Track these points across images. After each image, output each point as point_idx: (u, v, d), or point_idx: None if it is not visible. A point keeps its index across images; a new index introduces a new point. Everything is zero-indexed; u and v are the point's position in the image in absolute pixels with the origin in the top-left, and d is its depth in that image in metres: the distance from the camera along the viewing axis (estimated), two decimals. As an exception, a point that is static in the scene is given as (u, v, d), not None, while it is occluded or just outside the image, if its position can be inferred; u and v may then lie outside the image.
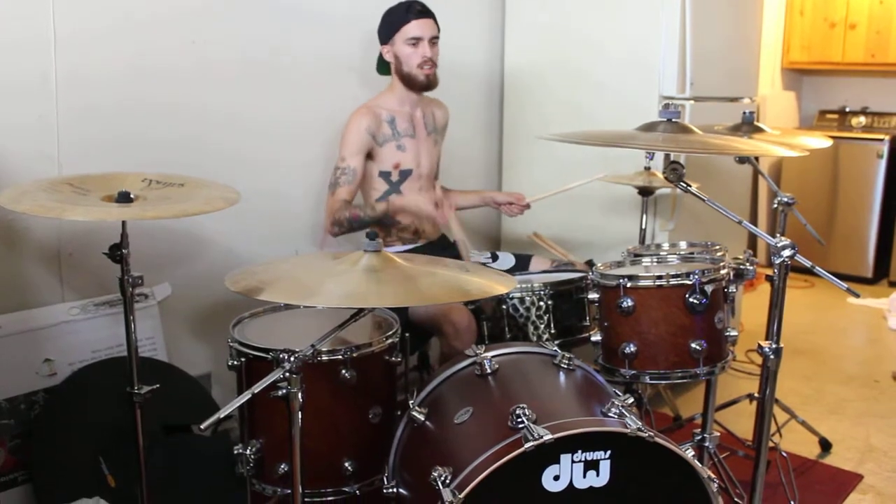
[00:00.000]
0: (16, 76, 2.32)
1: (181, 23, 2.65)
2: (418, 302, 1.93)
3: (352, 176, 2.75)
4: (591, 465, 1.63)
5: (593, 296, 2.23)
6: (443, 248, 2.98)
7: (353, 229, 2.72)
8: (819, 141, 2.97)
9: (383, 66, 2.89)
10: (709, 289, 2.10)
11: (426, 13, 2.78)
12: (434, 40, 2.80)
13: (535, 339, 2.48)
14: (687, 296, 2.09)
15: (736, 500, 2.51)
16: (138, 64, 2.56)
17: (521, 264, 2.94)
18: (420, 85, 2.82)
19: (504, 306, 2.48)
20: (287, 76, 2.98)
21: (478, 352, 2.03)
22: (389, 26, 2.80)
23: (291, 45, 2.98)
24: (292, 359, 1.61)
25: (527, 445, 1.57)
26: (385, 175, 2.85)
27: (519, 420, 1.64)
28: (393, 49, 2.80)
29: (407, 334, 2.20)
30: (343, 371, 2.00)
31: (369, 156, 2.81)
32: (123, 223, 1.94)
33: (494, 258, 3.00)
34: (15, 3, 2.29)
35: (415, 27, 2.75)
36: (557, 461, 1.61)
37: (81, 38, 2.43)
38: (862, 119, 5.94)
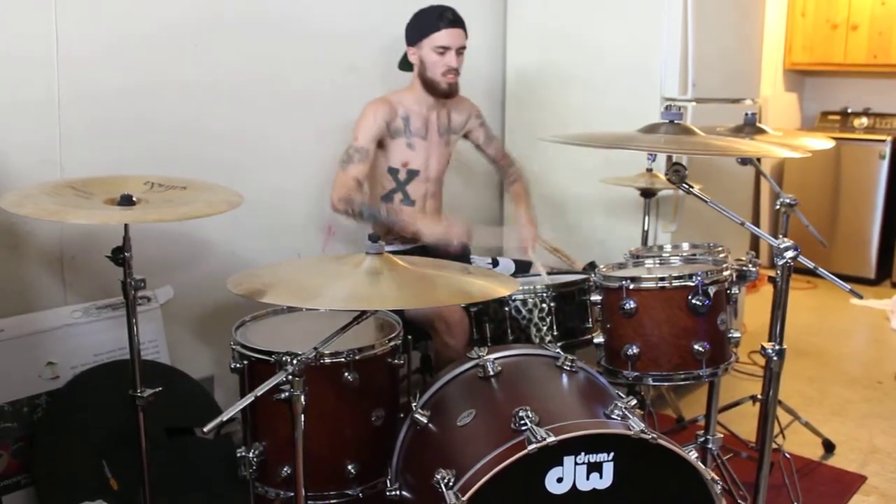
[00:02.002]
0: (20, 82, 2.32)
1: (183, 32, 2.65)
2: (422, 304, 1.92)
3: (364, 155, 2.73)
4: (595, 468, 1.63)
5: (596, 298, 2.23)
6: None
7: (357, 216, 2.69)
8: (821, 142, 2.97)
9: (406, 64, 2.89)
10: (711, 290, 2.10)
11: (457, 22, 2.78)
12: (461, 50, 2.80)
13: (537, 341, 2.47)
14: (690, 297, 2.08)
15: (739, 501, 2.50)
16: (141, 73, 2.57)
17: (521, 270, 2.94)
18: (441, 93, 2.82)
19: (507, 308, 2.48)
20: (290, 83, 2.98)
21: (480, 354, 2.03)
22: (418, 30, 2.79)
23: (295, 52, 2.98)
24: (295, 361, 1.61)
25: (530, 448, 1.57)
26: (393, 172, 2.86)
27: (522, 422, 1.64)
28: (419, 53, 2.80)
29: (409, 336, 2.20)
30: (346, 373, 2.00)
31: (381, 146, 2.81)
32: (126, 226, 1.94)
33: (495, 264, 2.99)
34: (19, 9, 2.30)
35: (444, 36, 2.75)
36: (561, 463, 1.61)
37: (85, 44, 2.43)
38: (864, 120, 5.93)
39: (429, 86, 2.82)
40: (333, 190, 2.72)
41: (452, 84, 2.81)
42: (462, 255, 2.98)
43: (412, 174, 2.88)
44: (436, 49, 2.76)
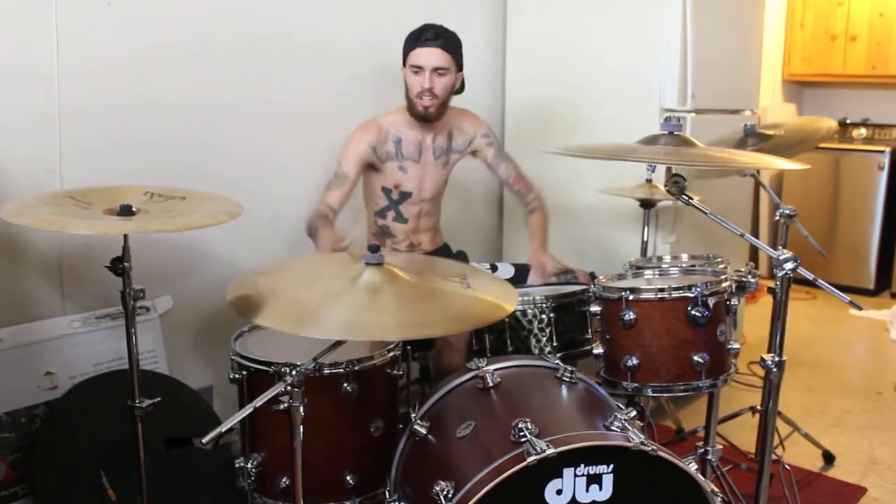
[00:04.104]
0: (21, 97, 2.33)
1: (184, 48, 2.66)
2: (422, 334, 1.82)
3: (343, 180, 2.72)
4: (594, 479, 1.62)
5: (595, 308, 2.23)
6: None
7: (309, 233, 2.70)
8: (824, 121, 2.96)
9: None
10: (711, 301, 2.09)
11: (436, 41, 2.67)
12: (440, 71, 2.67)
13: (537, 352, 2.47)
14: (689, 308, 2.08)
15: (739, 513, 2.50)
16: (141, 89, 2.57)
17: (520, 274, 2.93)
18: (417, 115, 2.74)
19: (506, 319, 2.48)
20: (291, 97, 2.99)
21: (480, 365, 2.03)
22: (404, 49, 2.74)
23: (294, 67, 2.99)
24: (294, 372, 1.60)
25: (529, 460, 1.56)
26: (386, 191, 2.84)
27: (521, 434, 1.64)
28: (404, 72, 2.75)
29: (409, 347, 2.20)
30: (345, 384, 2.00)
31: (374, 168, 2.80)
32: (125, 236, 1.94)
33: (493, 269, 2.99)
34: (20, 25, 2.31)
35: (419, 55, 2.67)
36: (560, 475, 1.61)
37: (86, 60, 2.44)
38: (863, 131, 5.95)
39: (409, 107, 2.76)
40: (318, 203, 2.73)
41: (428, 108, 2.71)
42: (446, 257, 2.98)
43: (404, 195, 2.86)
44: (412, 68, 2.69)
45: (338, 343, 1.67)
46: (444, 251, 3.05)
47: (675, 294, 2.11)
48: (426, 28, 2.70)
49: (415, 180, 2.86)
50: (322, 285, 1.80)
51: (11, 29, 2.29)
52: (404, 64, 2.75)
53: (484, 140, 2.99)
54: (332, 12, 3.09)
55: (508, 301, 1.80)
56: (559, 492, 1.61)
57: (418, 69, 2.68)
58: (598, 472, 1.62)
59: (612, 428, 1.70)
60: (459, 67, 2.77)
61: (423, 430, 1.92)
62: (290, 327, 1.62)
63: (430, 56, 2.67)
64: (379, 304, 1.69)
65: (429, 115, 2.74)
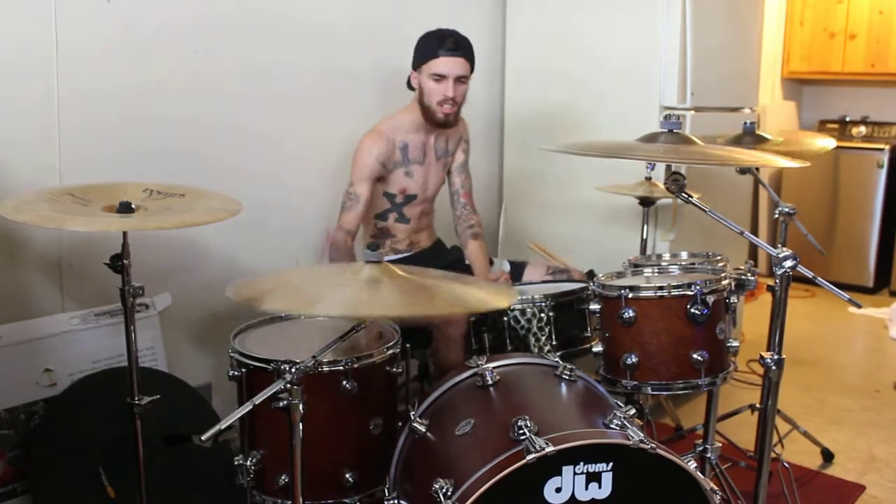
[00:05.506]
0: (19, 87, 2.32)
1: (183, 36, 2.66)
2: (421, 312, 1.88)
3: (356, 201, 2.73)
4: (594, 477, 1.62)
5: (594, 307, 2.23)
6: (436, 254, 2.98)
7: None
8: (824, 140, 2.95)
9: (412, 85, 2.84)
10: (710, 299, 2.09)
11: (459, 50, 2.68)
12: (462, 79, 2.71)
13: (536, 350, 2.47)
14: (688, 306, 2.08)
15: (738, 511, 2.50)
16: (140, 76, 2.57)
17: (516, 271, 2.93)
18: (436, 122, 2.76)
19: (505, 318, 2.48)
20: (289, 88, 2.98)
21: (479, 363, 2.03)
22: (420, 55, 2.72)
23: (294, 58, 2.98)
24: (293, 370, 1.60)
25: (528, 457, 1.56)
26: (390, 196, 2.84)
27: (520, 432, 1.64)
28: (419, 78, 2.73)
29: (408, 344, 2.20)
30: (344, 382, 2.00)
31: (379, 179, 2.79)
32: (124, 233, 1.94)
33: (490, 265, 2.99)
34: (19, 12, 2.30)
35: (442, 64, 2.67)
36: (559, 473, 1.61)
37: (85, 50, 2.43)
38: (862, 129, 5.95)
39: (425, 114, 2.76)
40: (336, 229, 2.75)
41: (449, 115, 2.73)
42: (456, 259, 2.99)
43: (409, 198, 2.86)
44: (433, 76, 2.69)
45: (337, 340, 1.67)
46: (438, 247, 3.05)
47: (675, 292, 2.11)
48: (445, 35, 2.70)
49: (419, 182, 2.86)
50: (323, 280, 1.81)
51: (10, 17, 2.28)
52: (416, 68, 2.74)
53: (464, 144, 3.02)
54: (331, 1, 3.09)
55: (504, 296, 1.81)
56: (558, 489, 1.61)
57: (440, 77, 2.68)
58: (597, 470, 1.62)
59: (612, 426, 1.70)
60: (472, 71, 2.79)
61: (423, 428, 1.92)
62: (295, 307, 1.66)
63: (454, 66, 2.68)
64: (379, 289, 1.69)
65: (449, 122, 2.78)
